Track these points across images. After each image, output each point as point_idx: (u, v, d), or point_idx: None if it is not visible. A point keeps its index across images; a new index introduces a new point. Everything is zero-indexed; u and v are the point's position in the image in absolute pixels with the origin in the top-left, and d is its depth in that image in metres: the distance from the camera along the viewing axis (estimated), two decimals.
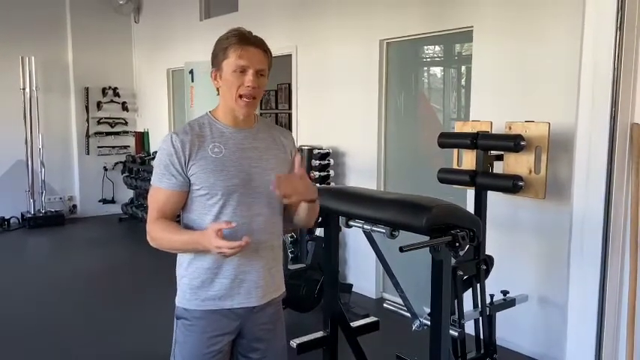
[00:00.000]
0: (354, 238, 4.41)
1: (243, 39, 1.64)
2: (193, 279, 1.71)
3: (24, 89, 6.93)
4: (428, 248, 1.93)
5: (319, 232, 4.12)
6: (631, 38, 2.24)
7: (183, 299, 1.73)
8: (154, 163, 1.70)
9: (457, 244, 1.92)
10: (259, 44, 1.66)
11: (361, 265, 4.51)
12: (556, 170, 3.07)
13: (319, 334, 2.57)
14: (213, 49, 1.69)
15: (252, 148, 1.71)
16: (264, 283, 1.74)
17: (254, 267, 1.71)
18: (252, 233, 1.65)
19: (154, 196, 1.69)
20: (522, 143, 2.79)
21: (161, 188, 1.66)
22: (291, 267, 3.98)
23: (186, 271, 1.73)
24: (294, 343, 2.47)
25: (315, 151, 4.53)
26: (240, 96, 1.64)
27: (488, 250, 2.85)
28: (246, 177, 1.67)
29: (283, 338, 1.89)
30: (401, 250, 1.80)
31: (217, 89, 1.71)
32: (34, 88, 6.97)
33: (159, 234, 1.66)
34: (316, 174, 4.47)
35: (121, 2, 7.34)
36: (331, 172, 4.57)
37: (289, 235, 4.44)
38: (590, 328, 2.42)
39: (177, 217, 1.73)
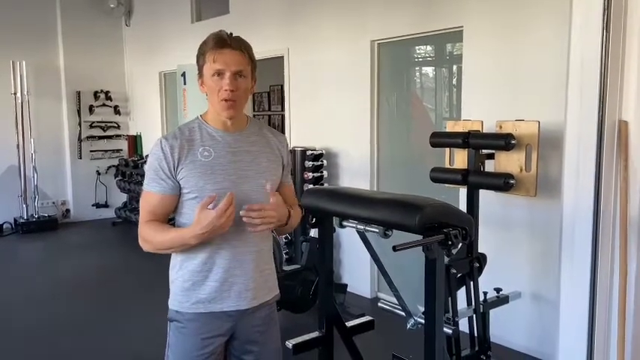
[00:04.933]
0: (349, 239, 4.43)
1: (219, 42, 1.62)
2: (184, 281, 1.71)
3: (15, 94, 6.90)
4: (421, 247, 1.94)
5: (313, 232, 4.14)
6: (617, 37, 2.27)
7: (175, 301, 1.74)
8: (145, 167, 1.72)
9: (450, 243, 1.94)
10: (235, 46, 1.63)
11: (356, 265, 4.53)
12: (547, 168, 3.10)
13: (315, 334, 2.58)
14: (196, 55, 1.69)
15: (244, 152, 1.71)
16: (255, 285, 1.74)
17: (244, 270, 1.71)
18: (242, 236, 1.68)
19: (145, 199, 1.70)
20: (513, 142, 2.82)
21: (152, 192, 1.67)
22: (286, 268, 3.99)
23: (177, 274, 1.73)
24: (289, 343, 2.47)
25: (309, 152, 4.54)
26: (222, 100, 1.63)
27: (481, 248, 2.88)
28: (236, 180, 1.67)
29: (277, 340, 1.89)
30: (394, 249, 1.81)
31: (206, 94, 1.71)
32: (25, 93, 6.94)
33: (149, 235, 1.67)
34: (310, 175, 4.48)
35: (112, 6, 7.33)
36: (324, 173, 4.58)
37: (284, 236, 4.45)
38: (582, 323, 2.45)
39: (169, 220, 1.75)
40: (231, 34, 1.66)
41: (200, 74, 1.67)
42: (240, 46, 1.64)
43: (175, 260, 1.75)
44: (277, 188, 1.80)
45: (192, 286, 1.70)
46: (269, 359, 1.83)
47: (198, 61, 1.67)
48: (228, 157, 1.68)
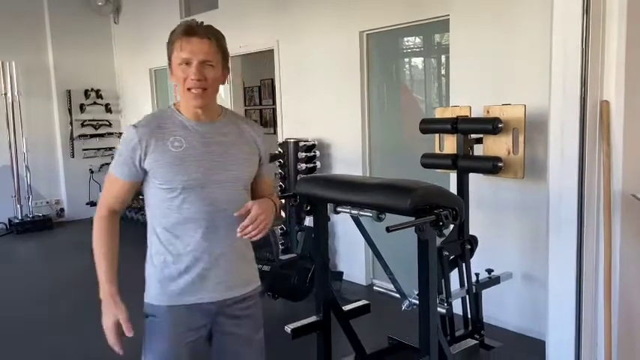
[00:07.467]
0: (344, 227, 4.49)
1: (187, 31, 1.58)
2: (158, 272, 1.68)
3: (5, 94, 6.89)
4: (413, 228, 2.00)
5: (309, 221, 4.20)
6: (597, 20, 2.33)
7: (150, 294, 1.71)
8: (116, 151, 1.70)
9: (441, 223, 2.00)
10: (204, 34, 1.57)
11: (351, 253, 4.59)
12: (533, 150, 3.18)
13: (313, 318, 2.63)
14: (166, 45, 1.65)
15: (216, 143, 1.66)
16: (229, 278, 1.71)
17: (218, 262, 1.68)
18: (216, 229, 1.65)
19: (109, 182, 1.68)
20: (500, 125, 2.89)
21: (116, 176, 1.65)
22: (282, 257, 4.05)
23: (151, 268, 1.71)
24: (288, 328, 2.54)
25: (301, 144, 4.59)
26: (188, 89, 1.59)
27: (473, 231, 2.95)
28: (208, 172, 1.63)
29: (258, 332, 1.83)
30: (387, 230, 1.87)
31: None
32: (15, 93, 6.92)
33: (98, 241, 1.66)
34: (303, 166, 4.53)
35: (100, 3, 7.31)
36: (317, 164, 4.64)
37: (279, 227, 4.51)
38: (570, 300, 2.52)
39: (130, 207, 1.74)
40: (201, 23, 1.61)
41: (170, 64, 1.63)
42: (208, 34, 1.58)
43: (149, 254, 1.72)
44: (254, 179, 1.77)
45: (166, 279, 1.68)
46: (246, 352, 1.78)
47: (167, 51, 1.64)
48: (200, 148, 1.63)
